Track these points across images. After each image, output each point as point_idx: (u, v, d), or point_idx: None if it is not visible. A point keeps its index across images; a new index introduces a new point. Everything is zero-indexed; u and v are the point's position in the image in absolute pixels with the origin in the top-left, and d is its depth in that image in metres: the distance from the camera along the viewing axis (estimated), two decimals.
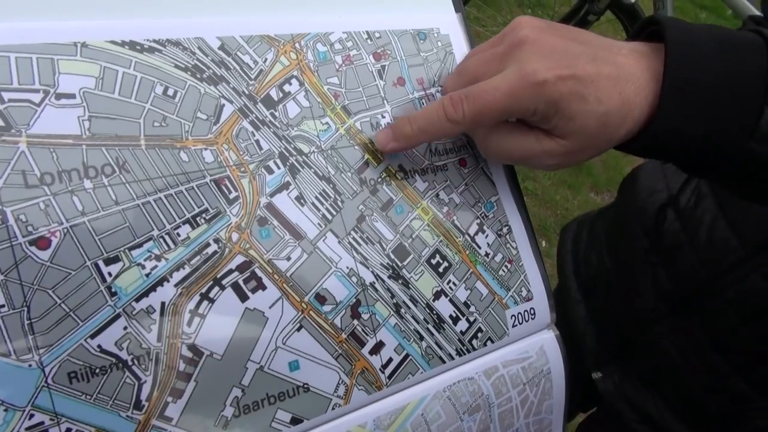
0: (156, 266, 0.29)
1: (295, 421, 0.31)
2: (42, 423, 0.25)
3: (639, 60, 0.32)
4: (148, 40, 0.30)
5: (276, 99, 0.33)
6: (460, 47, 0.41)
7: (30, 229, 0.26)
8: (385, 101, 0.37)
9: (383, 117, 0.37)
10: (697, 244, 0.55)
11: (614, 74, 0.32)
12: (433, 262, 0.37)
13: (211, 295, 0.30)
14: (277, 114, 0.33)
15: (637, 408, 0.62)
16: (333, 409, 0.32)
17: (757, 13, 1.72)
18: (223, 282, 0.30)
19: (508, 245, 0.40)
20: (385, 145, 0.35)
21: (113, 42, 0.29)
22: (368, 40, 0.37)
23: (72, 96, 0.28)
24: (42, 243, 0.26)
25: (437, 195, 0.38)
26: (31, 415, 0.25)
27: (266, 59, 0.34)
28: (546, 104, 0.31)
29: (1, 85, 0.26)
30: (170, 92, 0.30)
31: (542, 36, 0.32)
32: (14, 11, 0.27)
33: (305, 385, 0.32)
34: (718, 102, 0.31)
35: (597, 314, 0.69)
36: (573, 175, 2.20)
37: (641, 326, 0.61)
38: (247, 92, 0.33)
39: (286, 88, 0.34)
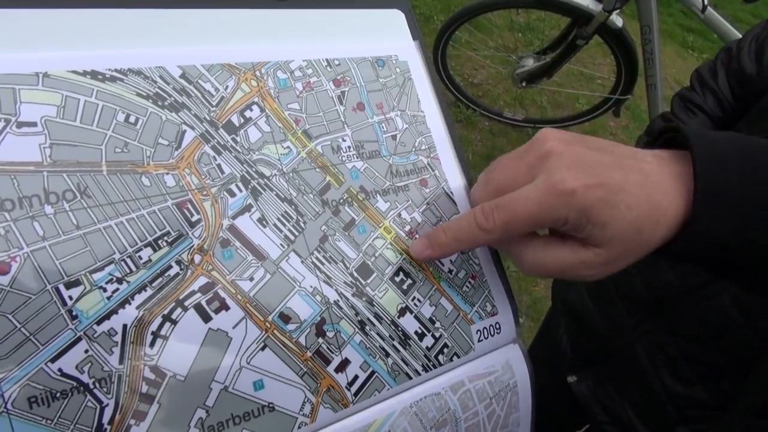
0: (117, 289, 0.29)
1: None
2: None
3: (663, 166, 0.33)
4: (109, 69, 0.31)
5: (237, 125, 0.34)
6: (419, 73, 0.43)
7: None
8: (345, 125, 0.38)
9: (344, 140, 0.38)
10: None
11: (641, 181, 0.32)
12: (397, 279, 0.37)
13: (174, 316, 0.30)
14: (238, 139, 0.34)
15: (610, 411, 0.63)
16: (299, 427, 0.32)
17: (740, 36, 1.78)
18: (186, 303, 0.30)
19: (470, 261, 0.41)
20: (420, 252, 0.37)
21: (75, 72, 0.30)
22: (328, 68, 0.39)
23: (33, 124, 0.29)
24: (2, 268, 0.26)
25: (399, 214, 0.39)
26: None
27: (227, 87, 0.35)
28: (577, 213, 0.32)
29: None
30: (132, 119, 0.31)
31: (568, 147, 0.33)
32: None
33: (270, 405, 0.32)
34: (749, 205, 0.31)
35: (572, 320, 0.70)
36: None
37: (615, 332, 0.62)
38: (208, 118, 0.34)
39: (247, 114, 0.35)
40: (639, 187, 0.32)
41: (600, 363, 0.65)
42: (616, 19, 1.91)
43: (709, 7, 1.79)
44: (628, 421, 0.62)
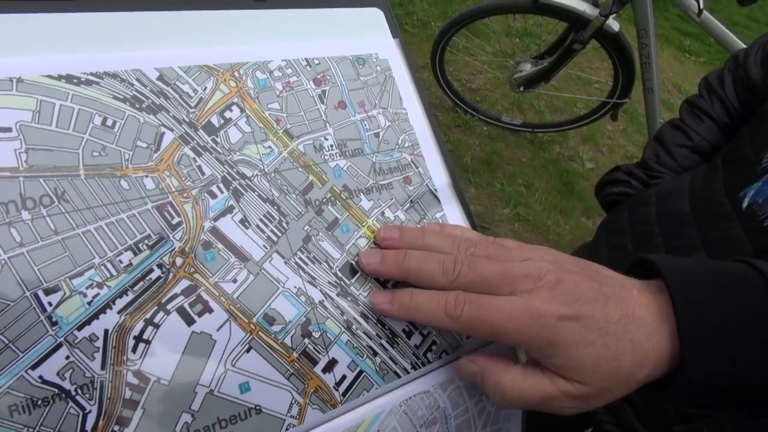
0: (98, 294, 0.29)
1: None
2: None
3: (647, 302, 0.33)
4: (85, 73, 0.31)
5: (217, 125, 0.34)
6: (400, 71, 0.43)
7: None
8: (327, 124, 0.38)
9: (326, 139, 0.38)
10: None
11: (623, 319, 0.32)
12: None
13: (156, 320, 0.30)
14: (218, 140, 0.34)
15: (612, 411, 0.64)
16: (287, 429, 0.32)
17: (737, 39, 1.79)
18: (168, 307, 0.30)
19: None
20: (379, 303, 0.36)
21: (49, 76, 0.30)
22: (308, 67, 0.39)
23: (8, 129, 0.28)
24: None
25: (383, 213, 0.38)
26: None
27: (206, 88, 0.35)
28: (543, 342, 0.32)
29: None
30: (109, 122, 0.31)
31: (562, 276, 0.33)
32: None
33: (257, 407, 0.31)
34: (735, 341, 0.31)
35: None
36: (564, 200, 2.24)
37: None
38: (187, 120, 0.33)
39: (227, 114, 0.35)
40: (621, 327, 0.32)
41: None
42: (613, 24, 1.92)
43: (704, 11, 1.80)
44: (629, 421, 0.62)
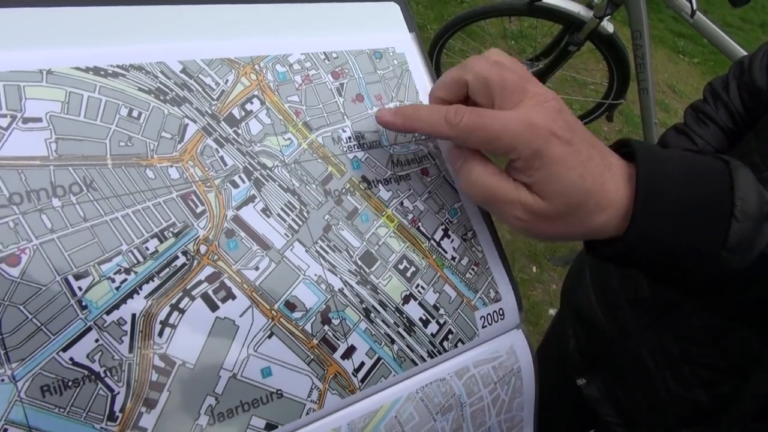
0: (125, 279, 0.29)
1: (270, 427, 0.32)
2: None
3: (622, 165, 0.35)
4: (111, 65, 0.32)
5: (238, 117, 0.35)
6: (416, 64, 0.43)
7: (0, 247, 0.27)
8: (345, 116, 0.39)
9: (344, 131, 0.38)
10: None
11: (602, 165, 0.34)
12: (401, 267, 0.38)
13: (181, 305, 0.30)
14: (240, 131, 0.35)
15: (618, 412, 0.64)
16: (307, 414, 0.33)
17: (730, 40, 1.79)
18: (193, 293, 0.31)
19: (473, 249, 0.41)
20: (383, 116, 0.37)
21: (78, 68, 0.31)
22: (326, 60, 0.39)
23: (39, 120, 0.29)
24: (12, 260, 0.27)
25: (401, 203, 0.39)
26: (5, 430, 0.26)
27: (227, 80, 0.35)
28: (532, 153, 0.33)
29: None
30: (135, 114, 0.32)
31: (553, 98, 0.35)
32: None
33: (278, 391, 0.32)
34: (688, 214, 0.33)
35: (580, 322, 0.71)
36: None
37: (622, 335, 0.63)
38: (210, 112, 0.34)
39: (248, 107, 0.35)
40: (599, 169, 0.34)
41: (607, 365, 0.66)
42: (607, 25, 1.94)
43: (697, 12, 1.80)
44: (635, 422, 0.63)
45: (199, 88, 0.34)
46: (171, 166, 0.32)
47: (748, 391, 0.49)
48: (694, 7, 1.79)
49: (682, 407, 0.57)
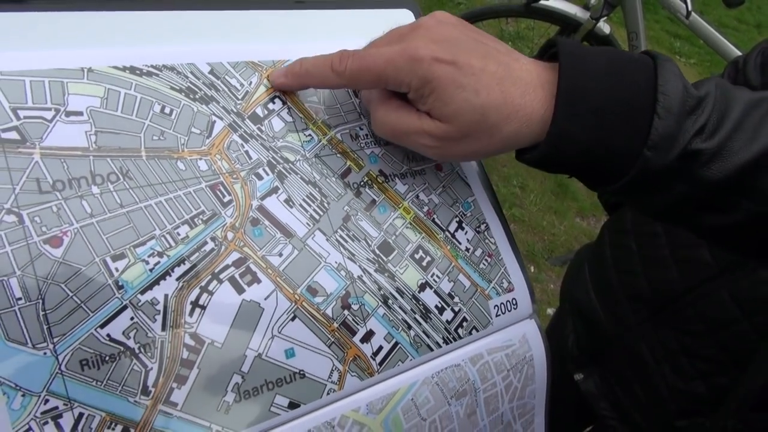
0: (159, 262, 0.31)
1: (293, 405, 0.33)
2: (56, 408, 0.27)
3: (533, 70, 0.35)
4: (146, 65, 0.34)
5: (262, 116, 0.37)
6: None
7: (44, 229, 0.29)
8: (361, 116, 0.41)
9: (361, 129, 0.40)
10: (678, 259, 0.58)
11: (500, 73, 0.34)
12: (417, 256, 0.39)
13: (210, 288, 0.32)
14: (263, 128, 0.37)
15: (615, 407, 0.65)
16: (328, 394, 0.34)
17: (725, 41, 1.80)
18: (221, 276, 0.33)
19: (486, 240, 0.43)
20: (275, 79, 0.38)
21: (116, 67, 0.33)
22: None
23: (80, 114, 0.31)
24: (55, 242, 0.29)
25: (417, 196, 0.41)
26: (46, 401, 0.27)
27: (251, 82, 0.37)
28: (420, 81, 0.34)
29: (17, 104, 0.30)
30: (167, 110, 0.34)
31: (440, 26, 0.35)
32: (29, 42, 0.31)
33: (301, 372, 0.34)
34: (610, 110, 0.33)
35: (579, 318, 0.72)
36: (559, 201, 2.25)
37: (621, 330, 0.64)
38: (235, 110, 0.36)
39: (270, 106, 0.38)
40: (496, 78, 0.34)
41: (606, 360, 0.67)
42: (604, 26, 1.96)
43: (693, 13, 1.82)
44: (631, 416, 0.63)
45: (226, 89, 0.36)
46: (200, 159, 0.34)
47: (746, 381, 0.49)
48: (689, 8, 1.81)
49: (681, 399, 0.58)
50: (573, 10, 1.95)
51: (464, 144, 0.35)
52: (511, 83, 0.34)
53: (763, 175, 0.33)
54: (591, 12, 1.92)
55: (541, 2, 1.95)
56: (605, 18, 1.93)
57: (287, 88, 0.38)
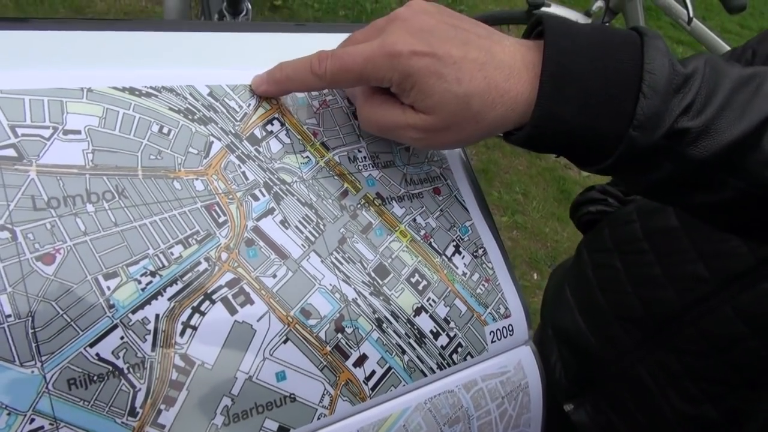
0: (151, 281, 0.31)
1: (282, 430, 0.33)
2: (42, 427, 0.27)
3: (516, 52, 0.34)
4: (145, 86, 0.34)
5: (260, 137, 0.37)
6: None
7: (37, 246, 0.29)
8: (360, 138, 0.41)
9: (359, 151, 0.40)
10: (671, 276, 0.57)
11: (481, 59, 0.33)
12: (413, 280, 0.39)
13: (202, 308, 0.32)
14: (261, 149, 0.37)
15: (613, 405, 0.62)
16: (318, 419, 0.34)
17: (727, 47, 1.81)
18: (214, 297, 0.33)
19: (484, 265, 0.42)
20: (257, 86, 0.38)
21: (115, 88, 0.33)
22: None
23: (78, 132, 0.32)
24: (47, 259, 0.29)
25: (414, 219, 0.41)
26: (32, 420, 0.27)
27: (250, 104, 0.38)
28: (400, 76, 0.33)
29: (15, 122, 0.30)
30: (165, 130, 0.34)
31: (416, 16, 0.34)
32: (30, 61, 0.32)
33: (292, 395, 0.33)
34: (595, 90, 0.32)
35: (564, 344, 0.69)
36: (561, 208, 2.25)
37: (613, 354, 0.61)
38: (233, 131, 0.36)
39: (269, 128, 0.38)
40: (477, 65, 0.33)
41: (598, 387, 0.64)
42: None
43: (694, 19, 1.82)
44: (631, 414, 0.61)
45: (224, 110, 0.37)
46: (196, 179, 0.34)
47: (764, 405, 0.47)
48: (691, 14, 1.81)
49: (690, 426, 0.56)
50: (575, 16, 1.96)
51: (451, 133, 0.35)
52: (494, 68, 0.33)
53: (750, 153, 0.32)
54: (593, 18, 1.93)
55: (543, 9, 1.97)
56: (607, 24, 1.94)
57: (270, 94, 0.38)
